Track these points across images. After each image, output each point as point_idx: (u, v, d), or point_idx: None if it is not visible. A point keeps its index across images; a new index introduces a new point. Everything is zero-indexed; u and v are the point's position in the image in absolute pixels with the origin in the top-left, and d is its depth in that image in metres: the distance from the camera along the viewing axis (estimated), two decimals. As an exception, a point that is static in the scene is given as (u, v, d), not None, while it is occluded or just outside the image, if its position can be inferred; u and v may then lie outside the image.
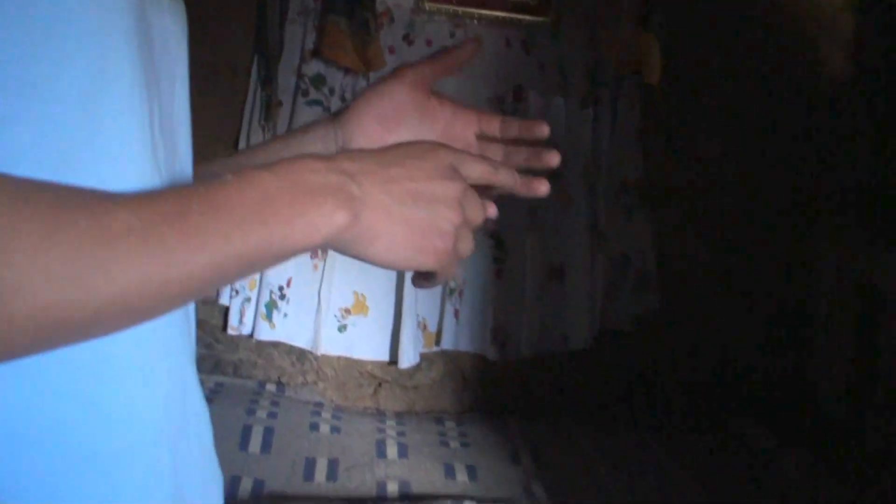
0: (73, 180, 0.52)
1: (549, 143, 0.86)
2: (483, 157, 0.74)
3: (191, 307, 0.73)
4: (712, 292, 3.06)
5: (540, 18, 2.89)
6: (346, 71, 2.80)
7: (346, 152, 0.66)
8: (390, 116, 0.85)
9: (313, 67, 2.80)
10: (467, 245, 0.69)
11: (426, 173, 0.66)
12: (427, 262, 0.66)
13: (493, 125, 0.89)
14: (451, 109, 0.89)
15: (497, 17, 2.87)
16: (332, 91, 2.82)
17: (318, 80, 2.81)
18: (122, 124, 0.60)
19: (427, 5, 2.83)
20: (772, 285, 3.00)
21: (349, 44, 2.70)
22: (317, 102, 2.81)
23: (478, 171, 0.72)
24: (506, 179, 0.75)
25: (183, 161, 0.72)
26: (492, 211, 0.75)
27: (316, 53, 2.78)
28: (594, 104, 2.94)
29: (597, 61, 2.93)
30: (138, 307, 0.52)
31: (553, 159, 0.84)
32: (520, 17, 2.88)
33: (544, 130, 0.87)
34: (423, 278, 0.70)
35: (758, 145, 3.03)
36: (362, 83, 2.80)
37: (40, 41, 0.54)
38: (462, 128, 0.89)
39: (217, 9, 2.76)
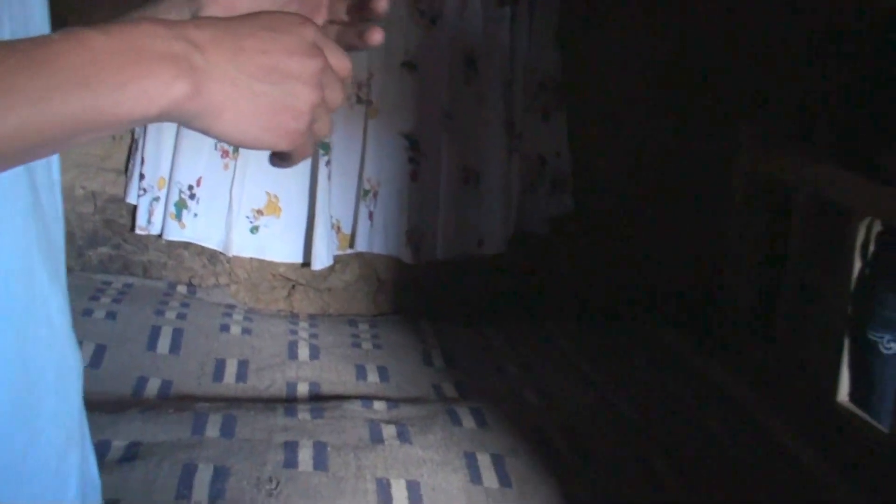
0: None
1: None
2: (338, 48, 0.69)
3: (43, 182, 0.68)
4: (627, 193, 3.07)
5: (459, -88, 2.80)
6: None
7: (195, 20, 0.60)
8: None
9: None
10: (325, 127, 0.64)
11: (284, 47, 0.61)
12: (279, 143, 0.62)
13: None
14: None
15: None
16: None
17: None
18: None
19: None
20: (686, 185, 3.01)
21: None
22: None
23: (340, 66, 0.67)
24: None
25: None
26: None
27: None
28: (512, 2, 2.88)
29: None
30: None
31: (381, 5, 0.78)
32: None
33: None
34: (279, 158, 0.66)
35: (674, 43, 3.00)
36: None
37: None
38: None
39: None
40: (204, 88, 0.57)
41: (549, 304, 3.09)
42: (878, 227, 2.22)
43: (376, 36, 0.79)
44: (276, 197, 2.90)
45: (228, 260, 2.95)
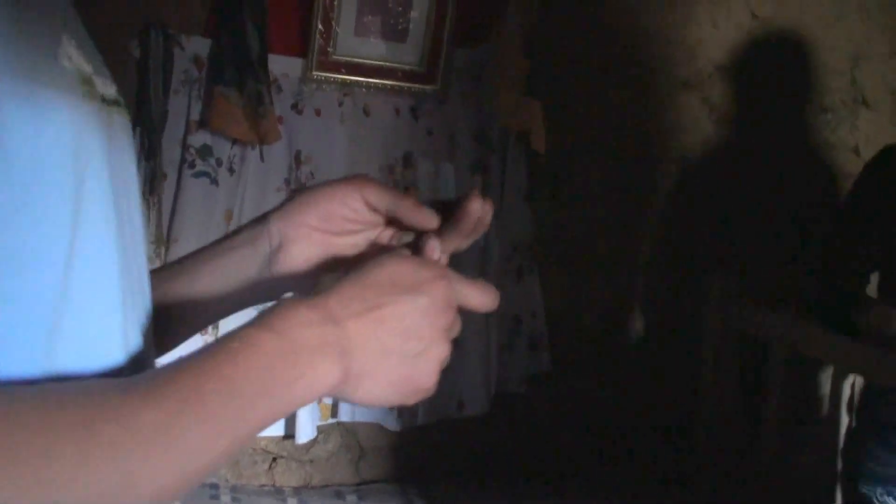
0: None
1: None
2: (480, 285, 0.72)
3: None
4: (601, 349, 3.13)
5: (428, 87, 2.91)
6: (234, 141, 2.74)
7: (331, 286, 0.63)
8: (334, 221, 0.79)
9: (200, 138, 2.73)
10: (446, 351, 0.67)
11: (420, 311, 0.65)
12: (409, 400, 0.66)
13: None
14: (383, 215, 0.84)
15: (385, 86, 2.88)
16: (219, 162, 2.75)
17: (205, 151, 2.74)
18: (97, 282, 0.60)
19: (315, 74, 2.81)
20: (661, 337, 3.09)
21: (241, 115, 2.65)
22: (204, 174, 2.74)
23: (473, 299, 0.71)
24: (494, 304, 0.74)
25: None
26: None
27: (203, 124, 2.72)
28: (483, 169, 2.98)
29: (484, 127, 2.97)
30: (162, 497, 0.54)
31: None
32: (408, 85, 2.90)
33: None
34: None
35: (637, 206, 3.13)
36: (251, 154, 2.75)
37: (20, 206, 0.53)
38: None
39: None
40: (352, 368, 0.61)
41: (531, 464, 3.09)
42: (860, 382, 2.30)
43: (478, 214, 0.78)
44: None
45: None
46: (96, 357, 0.59)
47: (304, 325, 0.59)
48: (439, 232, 0.78)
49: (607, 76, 3.06)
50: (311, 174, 2.81)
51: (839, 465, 2.25)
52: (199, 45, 2.73)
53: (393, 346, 0.63)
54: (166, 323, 0.75)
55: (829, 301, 2.31)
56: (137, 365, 0.63)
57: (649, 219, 3.13)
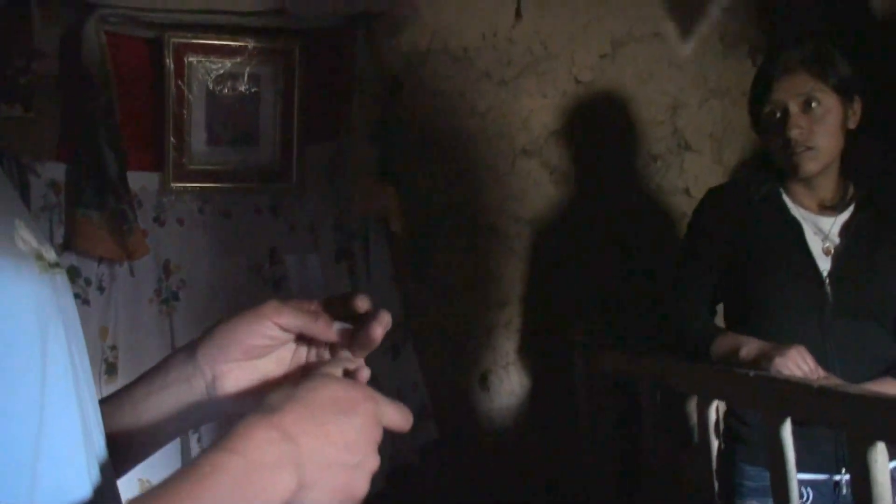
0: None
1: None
2: (399, 407, 0.85)
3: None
4: (482, 413, 3.27)
5: (284, 184, 3.02)
6: (101, 259, 2.78)
7: (281, 405, 0.75)
8: (256, 350, 0.93)
9: (66, 260, 2.75)
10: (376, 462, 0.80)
11: (356, 428, 0.77)
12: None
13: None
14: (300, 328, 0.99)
15: (243, 188, 2.97)
16: (88, 282, 2.79)
17: (73, 273, 2.77)
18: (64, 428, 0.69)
19: (173, 186, 2.89)
20: (536, 397, 3.26)
21: (105, 234, 2.70)
22: (75, 295, 2.75)
23: (393, 420, 0.83)
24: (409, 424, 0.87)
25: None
26: None
27: (67, 247, 2.75)
28: (347, 256, 3.09)
29: (343, 215, 3.09)
30: None
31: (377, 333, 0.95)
32: (265, 185, 3.00)
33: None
34: None
35: (497, 269, 3.31)
36: (119, 270, 2.80)
37: None
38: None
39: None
40: (304, 479, 0.72)
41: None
42: (723, 406, 2.50)
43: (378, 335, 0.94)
44: (149, 482, 2.88)
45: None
46: (69, 493, 0.69)
47: (265, 443, 0.70)
48: (351, 340, 0.93)
49: (454, 152, 3.25)
50: (182, 281, 2.87)
51: (716, 486, 2.43)
52: (54, 170, 2.77)
53: (336, 458, 0.74)
54: (122, 452, 0.85)
55: (679, 333, 2.50)
56: (100, 496, 0.73)
57: (510, 280, 3.32)
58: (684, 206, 3.49)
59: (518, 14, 3.32)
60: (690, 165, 3.64)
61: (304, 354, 0.98)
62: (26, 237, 0.70)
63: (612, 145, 3.48)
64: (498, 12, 3.31)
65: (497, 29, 3.31)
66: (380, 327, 0.93)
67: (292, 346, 0.97)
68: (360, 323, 0.94)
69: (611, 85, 3.48)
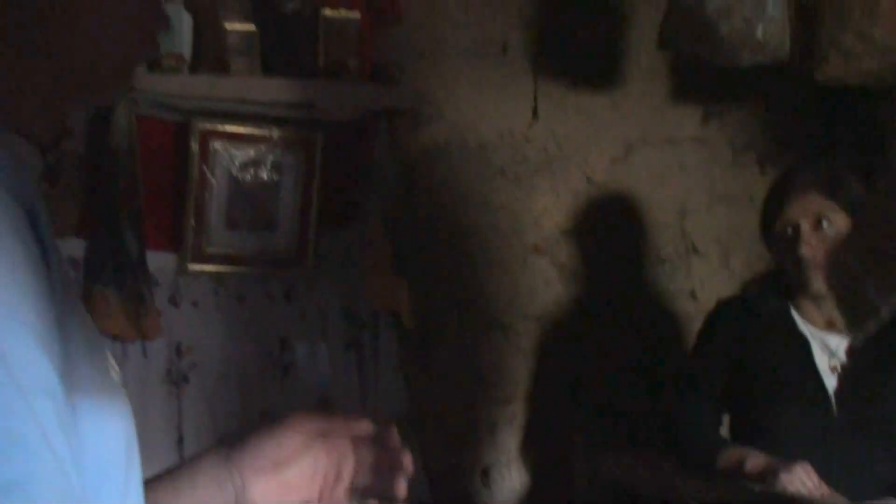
0: None
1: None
2: None
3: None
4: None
5: (298, 270, 3.06)
6: (115, 338, 2.80)
7: None
8: (285, 459, 0.97)
9: (80, 338, 2.78)
10: None
11: None
12: None
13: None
14: (332, 442, 1.03)
15: (259, 273, 3.01)
16: (101, 360, 2.80)
17: (86, 351, 2.78)
18: None
19: (190, 267, 2.92)
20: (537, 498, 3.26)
21: (120, 313, 2.72)
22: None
23: None
24: None
25: None
26: None
27: (82, 324, 2.77)
28: (356, 346, 3.11)
29: (354, 305, 3.12)
30: None
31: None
32: (281, 270, 3.04)
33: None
34: None
35: (502, 367, 3.34)
36: (132, 348, 2.81)
37: None
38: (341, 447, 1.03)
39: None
40: None
41: None
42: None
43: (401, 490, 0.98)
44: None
45: None
46: None
47: None
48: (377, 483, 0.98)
49: (466, 246, 3.30)
50: (194, 364, 2.89)
51: None
52: (73, 246, 2.80)
53: None
54: None
55: (685, 443, 2.52)
56: None
57: (516, 376, 3.34)
58: (689, 310, 3.53)
59: (535, 114, 3.40)
60: (697, 269, 3.68)
61: (324, 460, 1.00)
62: (114, 365, 0.73)
63: (622, 246, 3.53)
64: (516, 111, 3.39)
65: (514, 127, 3.39)
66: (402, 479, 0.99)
67: (317, 453, 1.00)
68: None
69: (622, 187, 3.55)
